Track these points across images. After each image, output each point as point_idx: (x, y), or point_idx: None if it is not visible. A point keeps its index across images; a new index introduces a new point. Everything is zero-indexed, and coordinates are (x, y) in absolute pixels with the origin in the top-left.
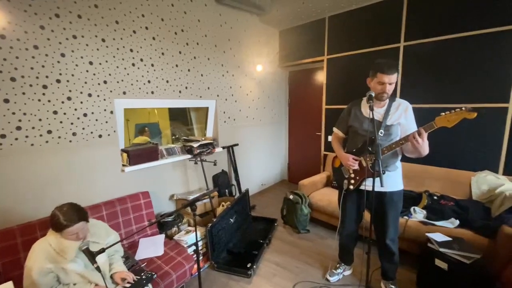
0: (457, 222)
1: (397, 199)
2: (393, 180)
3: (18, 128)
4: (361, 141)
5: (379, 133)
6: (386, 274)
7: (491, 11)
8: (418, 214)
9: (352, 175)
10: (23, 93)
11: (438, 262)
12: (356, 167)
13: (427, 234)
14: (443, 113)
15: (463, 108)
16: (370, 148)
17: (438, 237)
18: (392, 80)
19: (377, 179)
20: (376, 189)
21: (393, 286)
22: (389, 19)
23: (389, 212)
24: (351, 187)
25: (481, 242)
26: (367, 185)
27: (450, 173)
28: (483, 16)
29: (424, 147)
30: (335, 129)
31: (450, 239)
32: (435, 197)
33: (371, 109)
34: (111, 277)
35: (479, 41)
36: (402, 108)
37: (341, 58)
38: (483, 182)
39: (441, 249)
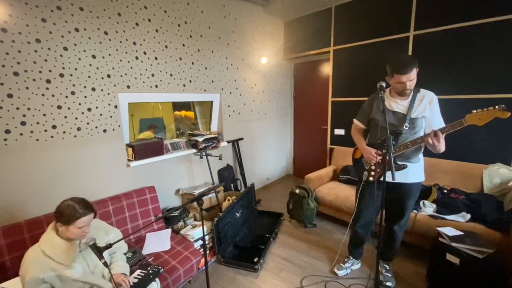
0: (469, 216)
1: (416, 190)
2: (415, 172)
3: (23, 123)
4: (383, 134)
5: (404, 127)
6: (384, 256)
7: None
8: (428, 208)
9: (373, 167)
10: (27, 88)
11: (449, 257)
12: (376, 160)
13: (438, 228)
14: (474, 111)
15: (497, 107)
16: (393, 142)
17: (450, 231)
18: (411, 78)
19: (396, 172)
20: (396, 180)
21: (386, 266)
22: (398, 7)
23: (406, 201)
24: (371, 178)
25: (494, 236)
26: (388, 177)
27: (461, 166)
28: (498, 2)
29: (441, 147)
30: (355, 121)
31: (462, 233)
32: (445, 191)
33: (382, 100)
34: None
35: (492, 29)
36: (427, 100)
37: (348, 49)
38: (496, 175)
39: (453, 244)
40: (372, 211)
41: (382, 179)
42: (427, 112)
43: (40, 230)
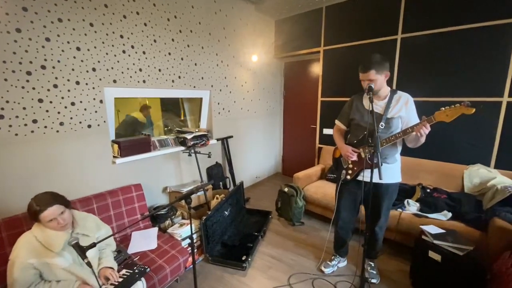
0: (450, 214)
1: (392, 190)
2: (391, 172)
3: (1, 116)
4: (362, 133)
5: (380, 126)
6: (368, 255)
7: (489, 4)
8: (412, 206)
9: (351, 166)
10: (5, 80)
11: (431, 254)
12: (354, 158)
13: (421, 226)
14: (443, 108)
15: (462, 103)
16: (370, 140)
17: (432, 229)
18: (369, 77)
19: (375, 170)
20: (373, 180)
21: (371, 263)
22: (386, 10)
23: (383, 202)
24: (348, 177)
25: (473, 234)
26: (365, 176)
27: (443, 166)
28: (481, 9)
29: (424, 138)
30: (337, 122)
31: (443, 231)
32: (428, 190)
33: (371, 101)
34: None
35: (475, 34)
36: (403, 101)
37: (338, 50)
38: (475, 175)
39: (435, 241)
40: (350, 210)
41: (359, 178)
42: (402, 112)
43: (19, 229)
